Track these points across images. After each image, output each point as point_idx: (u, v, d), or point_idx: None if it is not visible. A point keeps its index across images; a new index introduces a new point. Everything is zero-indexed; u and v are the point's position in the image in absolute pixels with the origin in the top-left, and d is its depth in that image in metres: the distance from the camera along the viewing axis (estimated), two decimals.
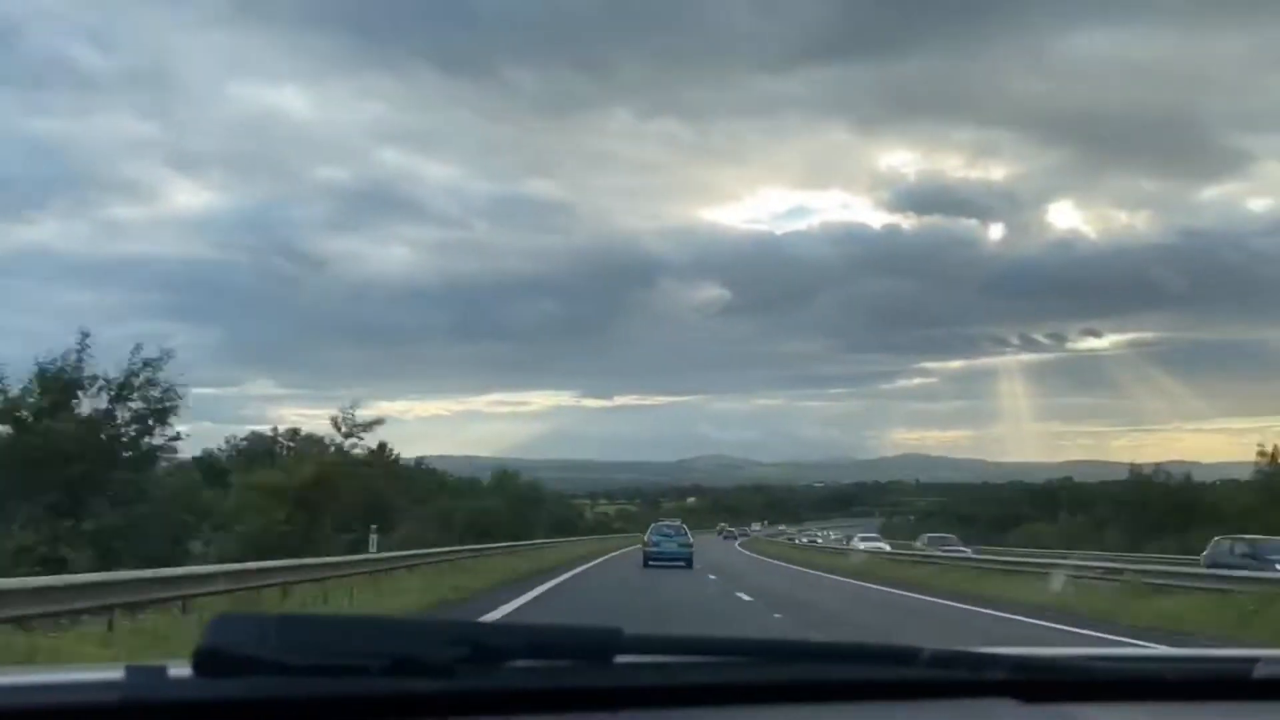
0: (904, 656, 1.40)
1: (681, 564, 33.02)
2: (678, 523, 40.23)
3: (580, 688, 1.29)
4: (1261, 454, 48.07)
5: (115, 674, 1.21)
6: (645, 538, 37.20)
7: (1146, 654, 1.85)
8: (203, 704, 1.18)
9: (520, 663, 1.26)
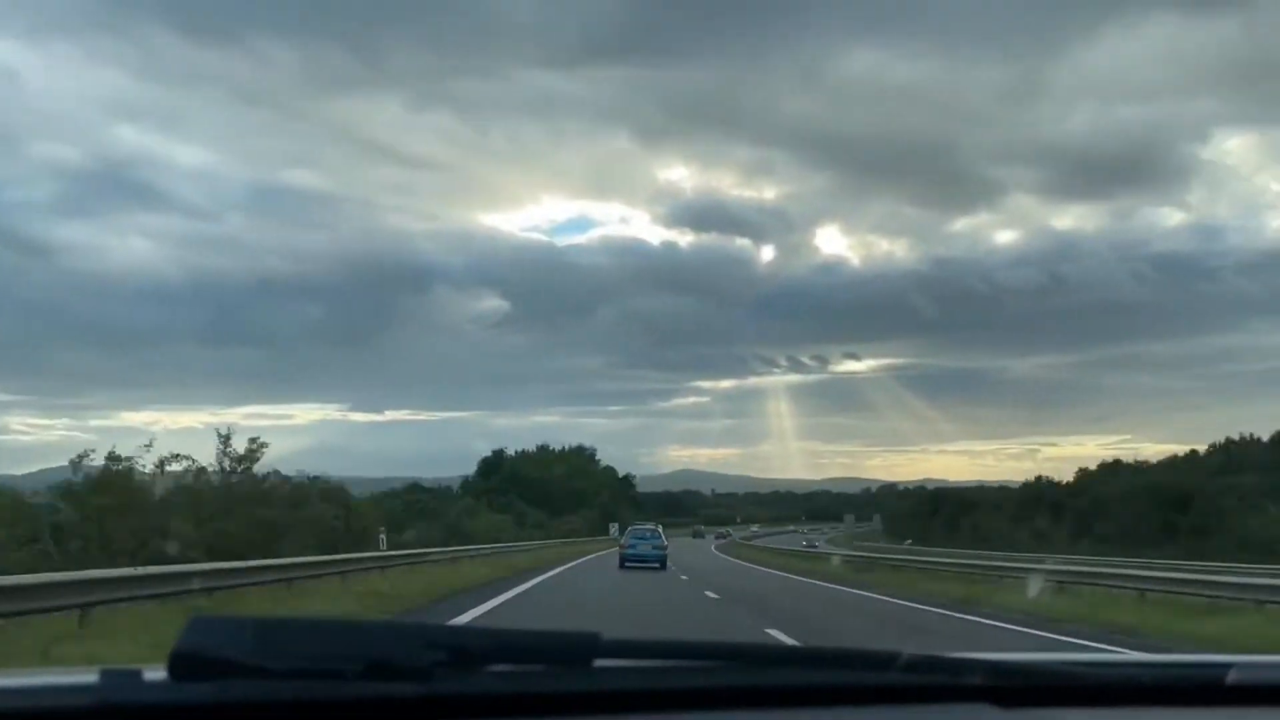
0: (882, 661, 1.40)
1: (656, 565, 33.86)
2: (652, 526, 41.06)
3: (558, 692, 1.29)
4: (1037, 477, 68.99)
5: (90, 677, 1.20)
6: (621, 540, 38.17)
7: (1123, 659, 1.86)
8: (178, 707, 1.17)
9: (498, 667, 1.26)
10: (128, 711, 1.16)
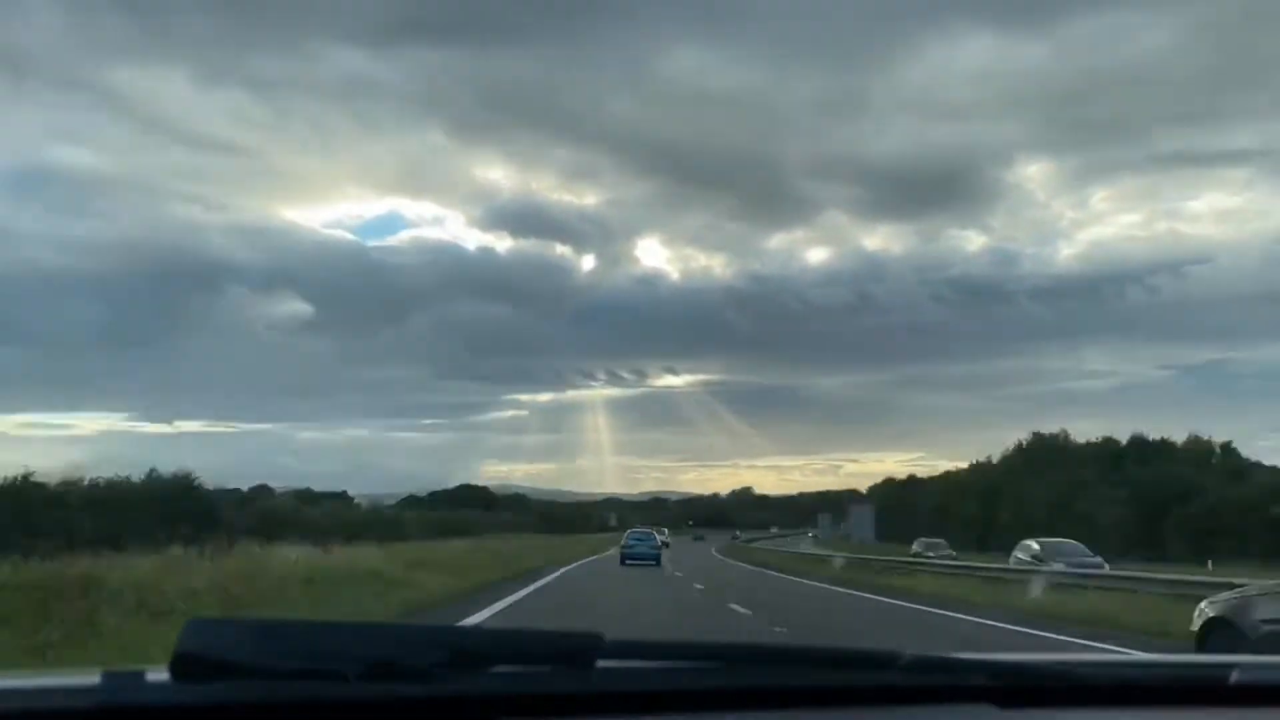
0: (883, 661, 1.40)
1: (652, 562, 40.11)
2: (649, 529, 49.61)
3: (561, 693, 1.29)
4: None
5: (92, 679, 1.20)
6: (622, 541, 44.78)
7: (1125, 659, 1.86)
8: (180, 708, 1.17)
9: (501, 667, 1.26)
10: (130, 712, 1.16)
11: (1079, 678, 1.56)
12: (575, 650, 1.28)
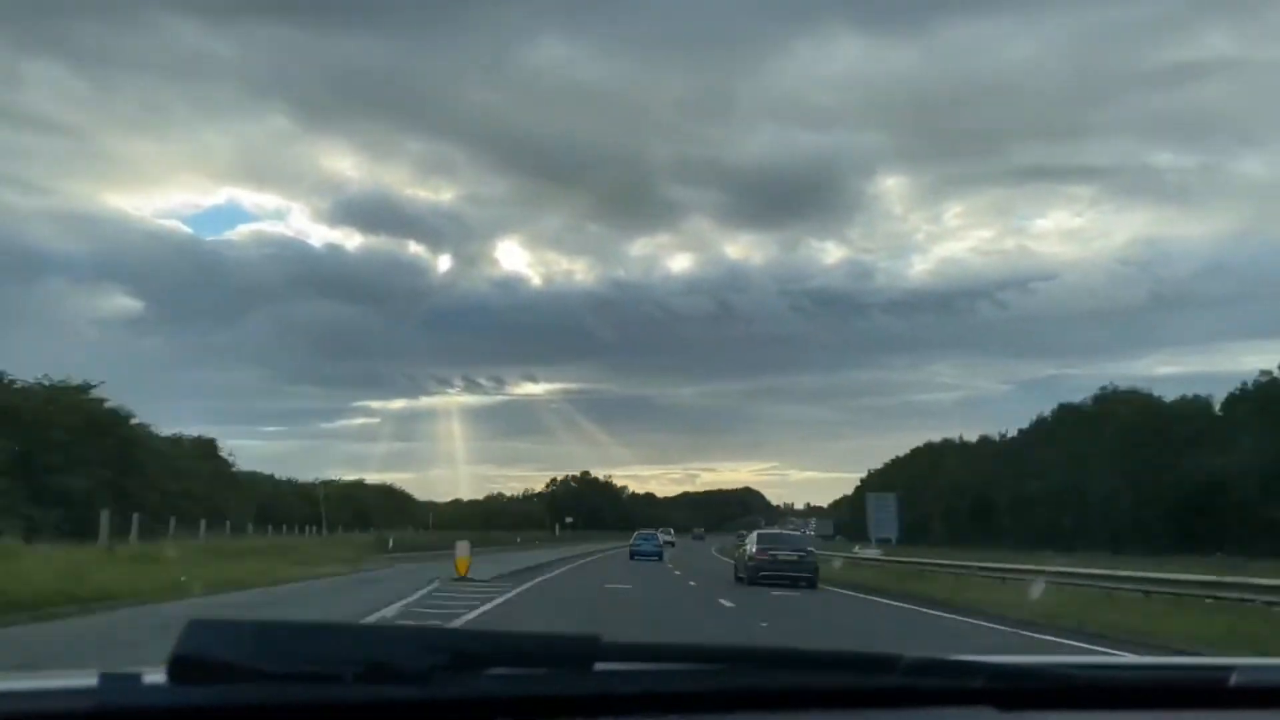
0: (883, 664, 1.40)
1: (656, 558, 47.67)
2: (653, 531, 58.00)
3: (559, 695, 1.29)
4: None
5: (89, 681, 1.20)
6: (631, 540, 53.32)
7: (1125, 662, 1.86)
8: (177, 711, 1.16)
9: (498, 670, 1.26)
10: (127, 715, 1.16)
11: (1079, 680, 1.56)
12: (573, 652, 1.28)
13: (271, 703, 1.17)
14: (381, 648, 1.22)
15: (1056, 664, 1.64)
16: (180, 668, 1.15)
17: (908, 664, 1.39)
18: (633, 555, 49.17)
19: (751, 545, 29.73)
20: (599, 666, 1.27)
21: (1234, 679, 1.54)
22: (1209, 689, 1.56)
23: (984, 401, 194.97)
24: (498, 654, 1.28)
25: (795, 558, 28.44)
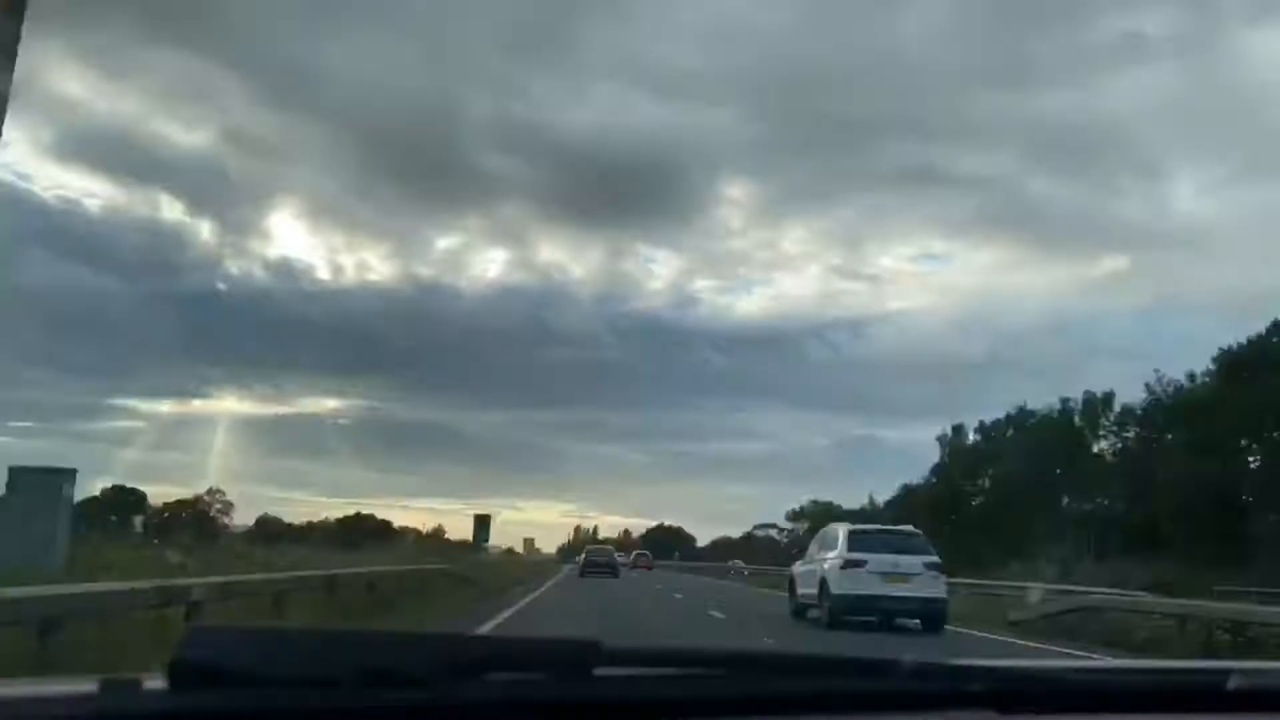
0: (883, 668, 1.40)
1: (609, 572, 45.83)
2: (609, 547, 59.24)
3: (558, 700, 1.29)
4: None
5: (89, 686, 1.20)
6: (580, 556, 53.71)
7: (1124, 665, 1.86)
8: (177, 717, 1.16)
9: (498, 675, 1.26)
10: None
11: (1078, 684, 1.56)
12: (573, 657, 1.28)
13: (271, 709, 1.17)
14: (382, 653, 1.22)
15: (1056, 668, 1.64)
16: (180, 673, 1.15)
17: (908, 668, 1.39)
18: (582, 571, 46.91)
19: (834, 554, 17.13)
20: (599, 671, 1.27)
21: (1232, 683, 1.54)
22: (1207, 692, 1.56)
23: (795, 458, 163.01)
24: (498, 659, 1.28)
25: (917, 577, 16.53)
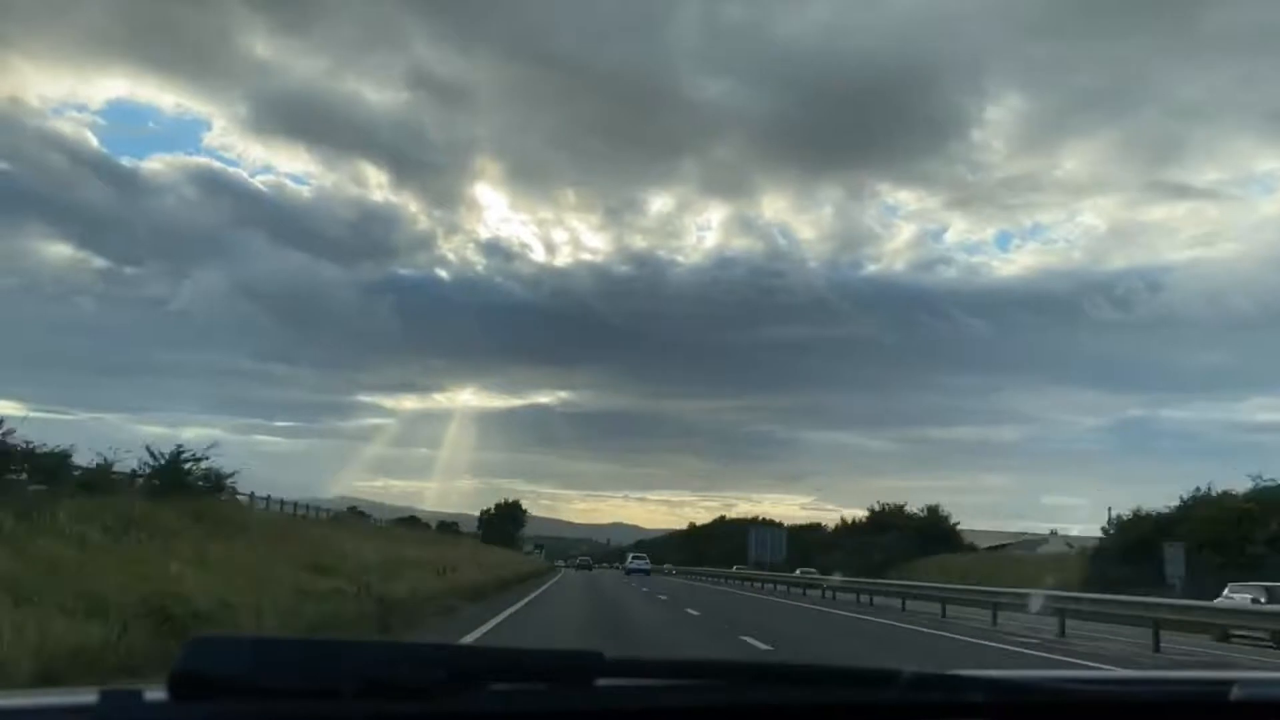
0: (883, 679, 1.40)
1: (646, 573, 66.22)
2: (644, 556, 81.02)
3: (560, 711, 1.29)
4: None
5: (89, 697, 1.20)
6: (627, 561, 77.91)
7: (1124, 676, 1.86)
8: None
9: (499, 685, 1.26)
10: None
11: (1078, 694, 1.55)
12: (574, 668, 1.28)
13: (271, 719, 1.17)
14: (383, 663, 1.22)
15: (1055, 678, 1.64)
16: (181, 684, 1.15)
17: (907, 679, 1.39)
18: (629, 572, 66.84)
19: None
20: (600, 682, 1.27)
21: (1234, 693, 1.54)
22: (1210, 703, 1.56)
23: (1060, 443, 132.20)
24: (499, 669, 1.28)
25: None
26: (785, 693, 1.41)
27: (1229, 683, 1.56)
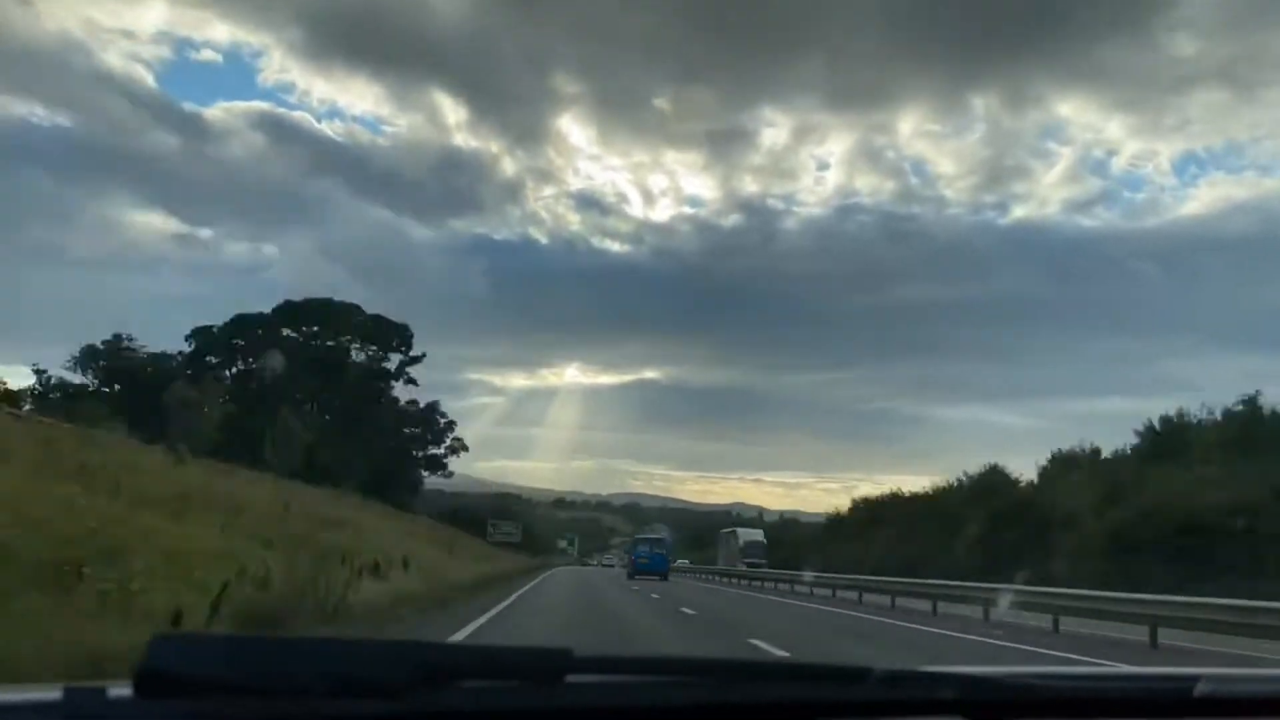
0: (855, 676, 1.40)
1: (663, 551, 50.11)
2: (661, 535, 64.71)
3: (531, 708, 1.28)
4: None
5: (53, 694, 1.18)
6: (633, 545, 60.43)
7: (1093, 673, 1.87)
8: None
9: (470, 683, 1.25)
10: None
11: (1049, 691, 1.57)
12: (544, 665, 1.27)
13: (238, 718, 1.15)
14: (352, 662, 1.21)
15: (1026, 674, 1.65)
16: (146, 682, 1.13)
17: (879, 676, 1.39)
18: (637, 563, 51.22)
19: None
20: (571, 679, 1.27)
21: (1199, 689, 1.56)
22: (1175, 699, 1.58)
23: None
24: (469, 667, 1.27)
25: None
26: (758, 689, 1.41)
27: (1194, 678, 1.58)
